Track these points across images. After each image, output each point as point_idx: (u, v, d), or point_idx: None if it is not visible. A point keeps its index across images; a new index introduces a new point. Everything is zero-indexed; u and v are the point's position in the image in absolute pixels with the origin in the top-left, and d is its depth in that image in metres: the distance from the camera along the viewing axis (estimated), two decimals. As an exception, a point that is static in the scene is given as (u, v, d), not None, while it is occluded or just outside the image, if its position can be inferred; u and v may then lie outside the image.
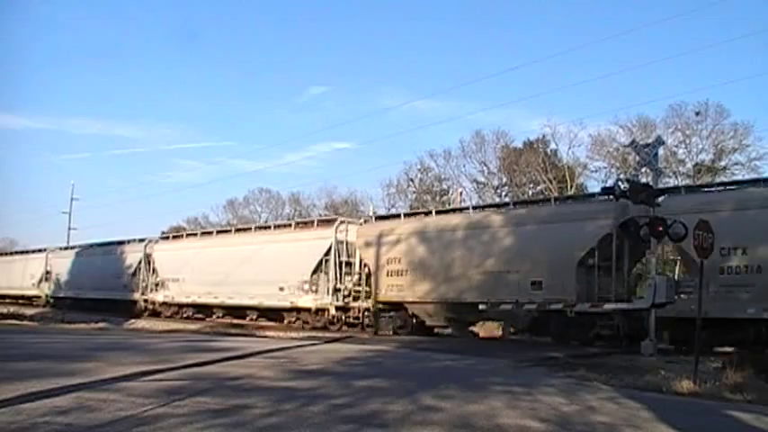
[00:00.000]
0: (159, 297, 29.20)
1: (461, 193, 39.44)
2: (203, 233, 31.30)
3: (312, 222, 25.08)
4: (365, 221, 23.26)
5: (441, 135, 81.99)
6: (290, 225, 26.05)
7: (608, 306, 15.27)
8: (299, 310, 22.71)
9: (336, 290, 21.69)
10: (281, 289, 22.76)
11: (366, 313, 21.01)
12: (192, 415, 5.37)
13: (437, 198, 43.59)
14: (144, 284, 30.37)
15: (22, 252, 43.85)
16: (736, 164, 35.69)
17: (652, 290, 13.62)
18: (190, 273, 27.07)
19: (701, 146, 36.84)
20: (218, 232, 30.02)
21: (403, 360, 11.87)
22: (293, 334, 19.12)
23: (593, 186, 37.31)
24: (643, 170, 15.57)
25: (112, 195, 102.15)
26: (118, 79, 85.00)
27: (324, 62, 78.70)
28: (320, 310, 21.95)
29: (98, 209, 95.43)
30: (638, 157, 14.90)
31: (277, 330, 21.07)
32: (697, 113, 35.59)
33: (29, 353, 10.61)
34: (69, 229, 49.54)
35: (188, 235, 32.36)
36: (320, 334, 19.13)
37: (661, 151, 17.19)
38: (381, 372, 9.46)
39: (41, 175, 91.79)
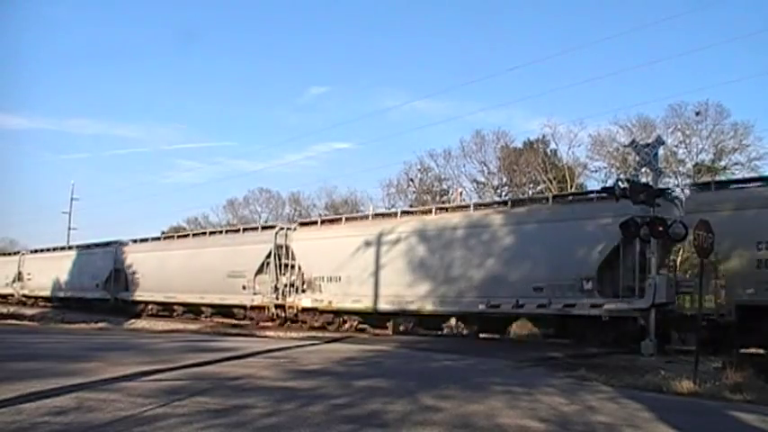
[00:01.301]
0: (305, 302, 22.44)
1: (461, 193, 39.42)
2: (377, 215, 23.82)
3: (587, 195, 18.24)
4: (697, 188, 16.91)
5: (441, 135, 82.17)
6: (543, 199, 18.93)
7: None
8: (570, 318, 16.32)
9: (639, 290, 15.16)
10: (539, 290, 16.52)
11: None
12: (191, 415, 5.36)
13: (437, 198, 43.59)
14: (273, 284, 23.56)
15: (85, 246, 35.58)
16: (736, 164, 35.70)
17: (652, 290, 13.62)
18: (360, 269, 20.67)
19: (701, 146, 36.85)
20: (405, 213, 22.57)
21: (403, 360, 11.86)
22: (293, 334, 19.12)
23: (593, 186, 37.30)
24: (643, 170, 15.51)
25: (112, 195, 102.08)
26: (118, 80, 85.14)
27: (324, 63, 78.86)
28: (618, 320, 15.57)
29: (98, 209, 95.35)
30: (638, 157, 14.88)
31: (277, 330, 21.03)
32: (697, 113, 35.61)
33: (29, 353, 10.61)
34: (69, 229, 49.56)
35: (349, 218, 24.23)
36: (320, 334, 19.12)
37: (661, 151, 17.14)
38: (381, 372, 9.45)
39: (41, 175, 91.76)
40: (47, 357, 9.71)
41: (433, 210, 20.93)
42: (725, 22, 50.17)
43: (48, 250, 38.68)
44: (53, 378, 7.11)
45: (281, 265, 23.52)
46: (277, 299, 23.37)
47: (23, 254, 40.83)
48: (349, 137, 77.78)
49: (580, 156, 41.26)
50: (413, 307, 19.30)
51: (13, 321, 23.41)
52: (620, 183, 13.87)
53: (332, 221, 24.44)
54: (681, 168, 36.81)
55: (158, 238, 31.26)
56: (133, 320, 26.49)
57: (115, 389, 6.66)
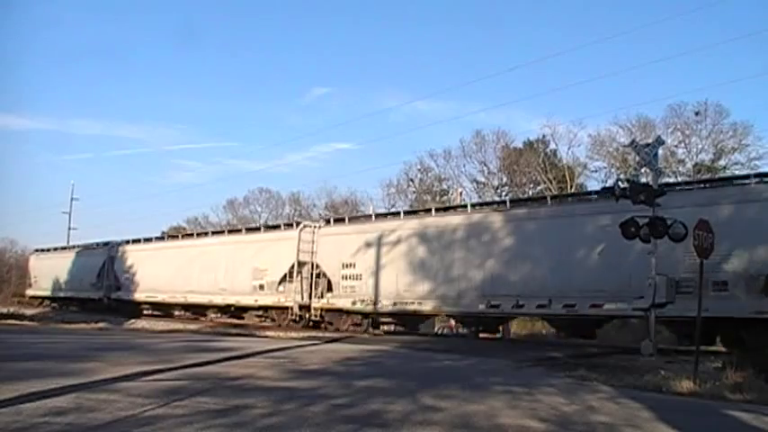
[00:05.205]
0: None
1: (461, 193, 39.44)
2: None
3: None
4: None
5: (441, 135, 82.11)
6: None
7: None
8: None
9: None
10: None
11: None
12: (191, 415, 5.36)
13: (437, 198, 43.58)
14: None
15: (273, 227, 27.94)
16: (736, 164, 35.74)
17: (652, 290, 13.59)
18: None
19: (700, 146, 36.89)
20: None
21: (403, 360, 11.87)
22: (293, 334, 19.12)
23: (593, 186, 37.31)
24: (643, 170, 15.51)
25: (113, 195, 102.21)
26: (120, 80, 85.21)
27: (327, 63, 78.93)
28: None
29: (98, 209, 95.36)
30: (638, 157, 14.84)
31: (277, 330, 21.04)
32: (697, 113, 35.66)
33: (29, 353, 10.61)
34: (69, 228, 49.67)
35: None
36: (320, 334, 19.12)
37: (661, 151, 17.12)
38: (382, 372, 9.45)
39: (42, 176, 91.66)
40: (47, 357, 9.71)
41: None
42: (725, 22, 50.31)
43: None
44: (53, 378, 7.10)
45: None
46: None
47: None
48: (350, 137, 77.90)
49: (580, 156, 41.38)
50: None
51: (13, 321, 23.39)
52: (620, 183, 13.83)
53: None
54: (681, 168, 36.86)
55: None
56: (133, 320, 26.62)
57: (115, 389, 6.65)
